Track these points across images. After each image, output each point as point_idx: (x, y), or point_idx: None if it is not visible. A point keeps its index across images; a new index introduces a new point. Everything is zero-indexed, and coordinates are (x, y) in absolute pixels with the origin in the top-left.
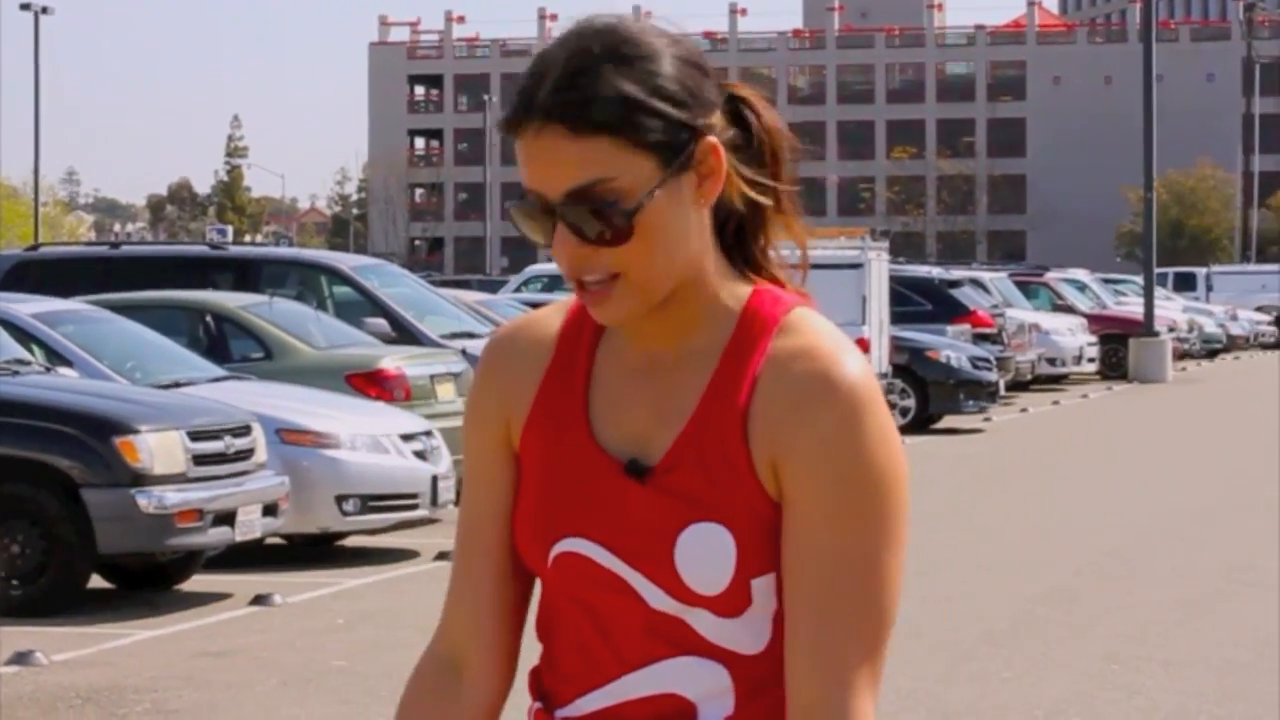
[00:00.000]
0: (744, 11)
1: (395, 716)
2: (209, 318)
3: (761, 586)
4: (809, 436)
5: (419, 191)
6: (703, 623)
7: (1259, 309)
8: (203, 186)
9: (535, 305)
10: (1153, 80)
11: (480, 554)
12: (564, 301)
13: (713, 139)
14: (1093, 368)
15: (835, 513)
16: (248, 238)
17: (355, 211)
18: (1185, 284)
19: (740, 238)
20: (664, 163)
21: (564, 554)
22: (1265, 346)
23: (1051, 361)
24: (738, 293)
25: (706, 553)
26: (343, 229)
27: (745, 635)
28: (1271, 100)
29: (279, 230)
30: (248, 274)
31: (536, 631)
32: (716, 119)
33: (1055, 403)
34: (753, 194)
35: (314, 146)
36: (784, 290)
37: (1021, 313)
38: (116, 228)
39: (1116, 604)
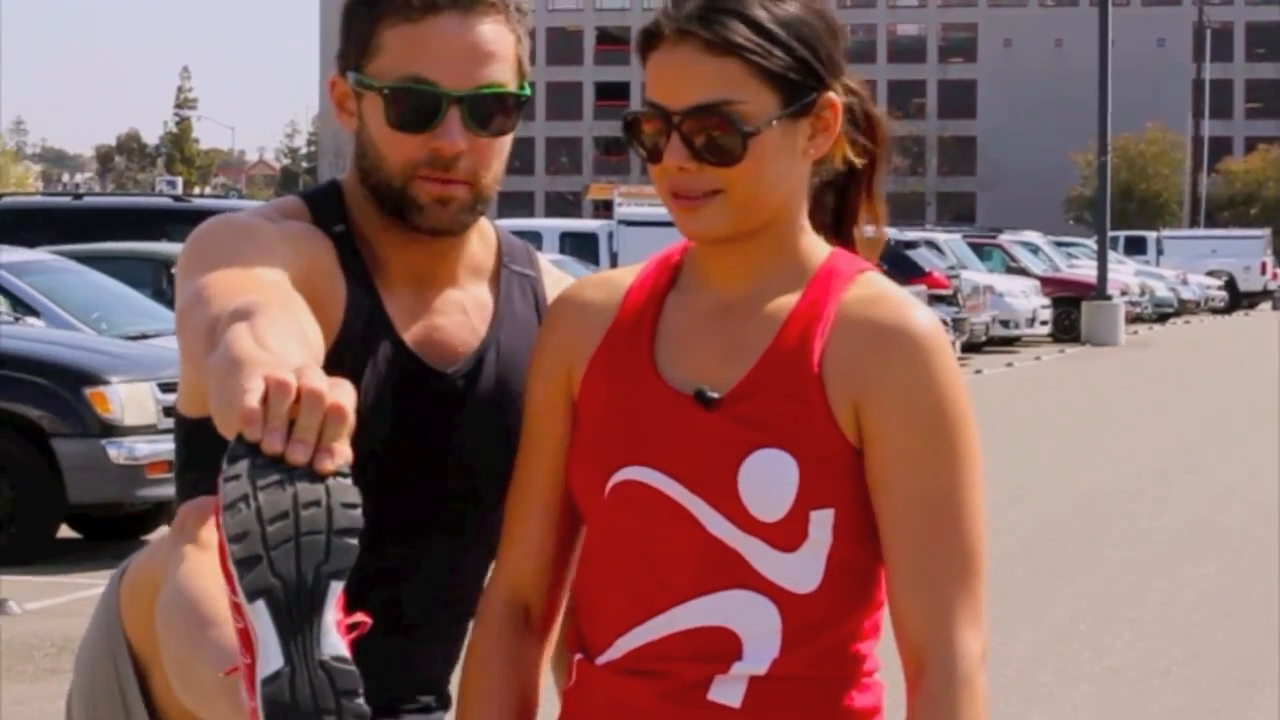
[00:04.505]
0: None
1: (470, 659)
2: (174, 270)
3: (819, 520)
4: (889, 379)
5: None
6: (758, 555)
7: (1209, 274)
8: (151, 138)
9: None
10: (1108, 44)
11: (537, 499)
12: (635, 265)
13: (834, 95)
14: (1045, 330)
15: (920, 452)
16: (196, 190)
17: (305, 165)
18: (1136, 248)
19: (837, 205)
20: (785, 101)
21: (623, 482)
22: (1215, 311)
23: (1005, 324)
24: (817, 250)
25: (770, 478)
26: (291, 182)
27: (799, 571)
28: (1220, 66)
29: (227, 182)
30: None
31: (574, 583)
32: (839, 85)
33: (1009, 365)
34: (855, 159)
35: (265, 98)
36: (858, 256)
37: (976, 275)
38: (65, 178)
39: (1079, 565)
